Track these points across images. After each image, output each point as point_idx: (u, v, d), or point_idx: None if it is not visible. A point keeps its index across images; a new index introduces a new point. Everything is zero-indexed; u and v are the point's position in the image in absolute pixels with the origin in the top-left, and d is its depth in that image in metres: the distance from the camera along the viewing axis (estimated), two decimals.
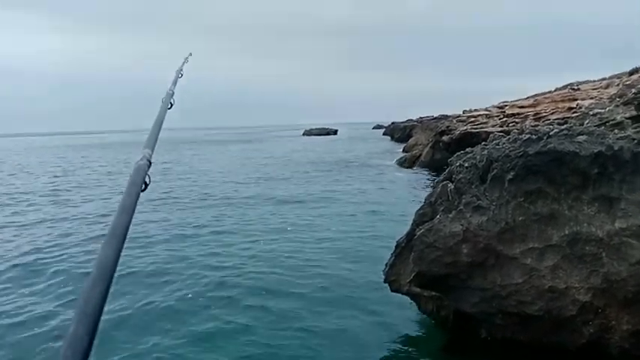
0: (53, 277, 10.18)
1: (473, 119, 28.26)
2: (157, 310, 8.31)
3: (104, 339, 7.02)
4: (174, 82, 3.04)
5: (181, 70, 3.45)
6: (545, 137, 6.51)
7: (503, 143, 6.98)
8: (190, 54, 4.01)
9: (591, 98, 20.02)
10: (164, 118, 2.26)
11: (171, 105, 2.49)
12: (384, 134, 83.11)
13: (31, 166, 42.28)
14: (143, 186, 1.40)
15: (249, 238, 13.31)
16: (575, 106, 20.55)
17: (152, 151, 1.75)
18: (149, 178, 1.47)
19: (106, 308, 0.90)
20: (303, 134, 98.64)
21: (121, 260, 1.03)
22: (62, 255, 11.88)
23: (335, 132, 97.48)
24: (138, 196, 1.31)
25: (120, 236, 1.09)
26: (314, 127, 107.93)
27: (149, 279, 9.89)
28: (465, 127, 26.83)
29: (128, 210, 1.21)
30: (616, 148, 6.12)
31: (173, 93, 2.72)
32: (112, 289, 0.93)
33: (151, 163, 1.59)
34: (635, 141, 6.12)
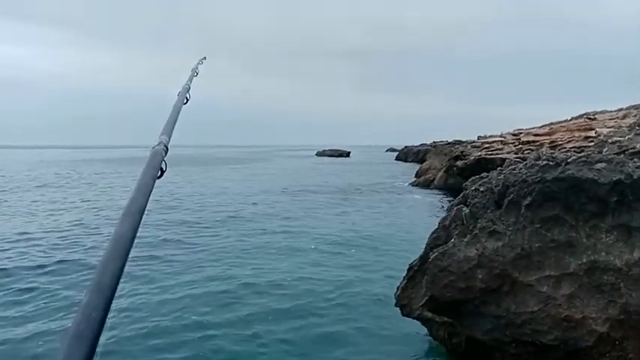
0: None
1: (487, 145, 28.18)
2: None
3: None
4: (190, 79, 2.94)
5: (196, 69, 3.33)
6: (563, 164, 6.44)
7: (520, 168, 6.91)
8: (205, 57, 3.86)
9: (608, 128, 19.87)
10: (180, 111, 2.22)
11: (187, 100, 2.42)
12: (396, 158, 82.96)
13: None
14: (159, 172, 1.37)
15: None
16: (593, 135, 20.41)
17: (169, 138, 1.72)
18: (165, 164, 1.43)
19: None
20: (316, 155, 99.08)
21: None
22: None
23: (348, 154, 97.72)
24: (154, 180, 1.29)
25: (135, 214, 1.08)
26: (327, 148, 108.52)
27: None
28: (480, 153, 26.73)
29: (144, 191, 1.18)
30: (635, 176, 6.03)
31: (189, 88, 2.64)
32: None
33: (167, 148, 1.57)
34: None
